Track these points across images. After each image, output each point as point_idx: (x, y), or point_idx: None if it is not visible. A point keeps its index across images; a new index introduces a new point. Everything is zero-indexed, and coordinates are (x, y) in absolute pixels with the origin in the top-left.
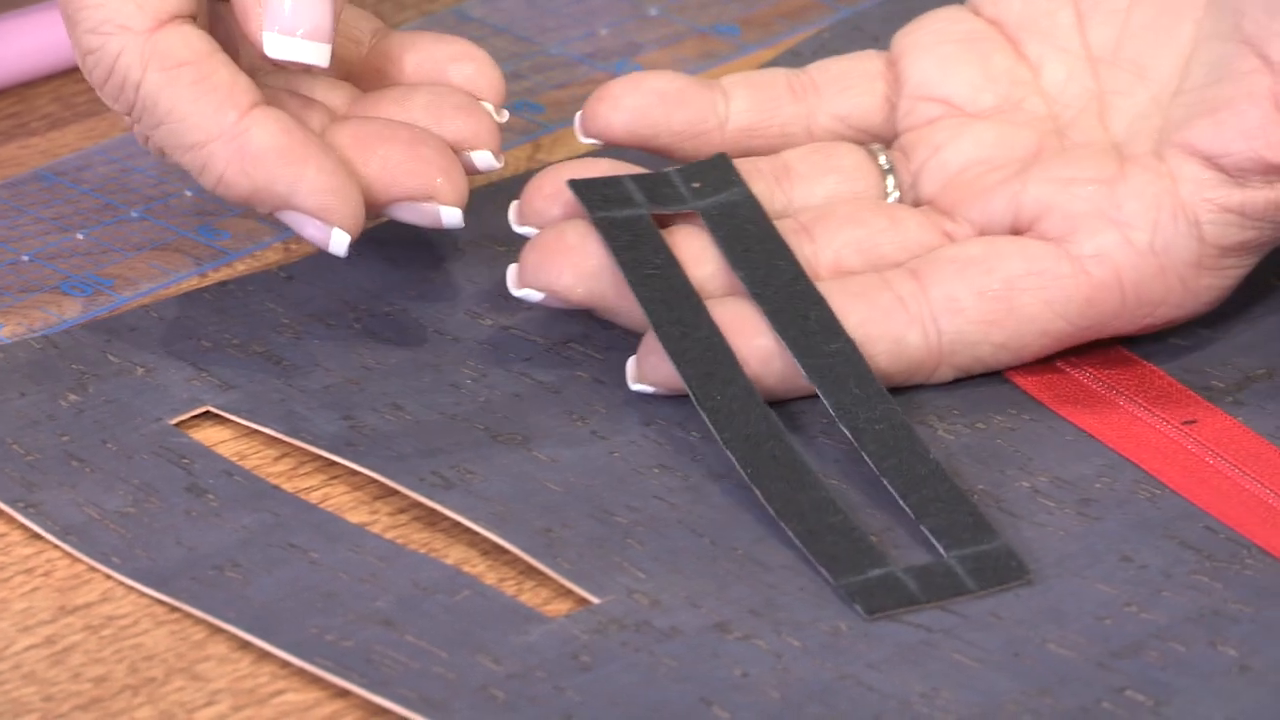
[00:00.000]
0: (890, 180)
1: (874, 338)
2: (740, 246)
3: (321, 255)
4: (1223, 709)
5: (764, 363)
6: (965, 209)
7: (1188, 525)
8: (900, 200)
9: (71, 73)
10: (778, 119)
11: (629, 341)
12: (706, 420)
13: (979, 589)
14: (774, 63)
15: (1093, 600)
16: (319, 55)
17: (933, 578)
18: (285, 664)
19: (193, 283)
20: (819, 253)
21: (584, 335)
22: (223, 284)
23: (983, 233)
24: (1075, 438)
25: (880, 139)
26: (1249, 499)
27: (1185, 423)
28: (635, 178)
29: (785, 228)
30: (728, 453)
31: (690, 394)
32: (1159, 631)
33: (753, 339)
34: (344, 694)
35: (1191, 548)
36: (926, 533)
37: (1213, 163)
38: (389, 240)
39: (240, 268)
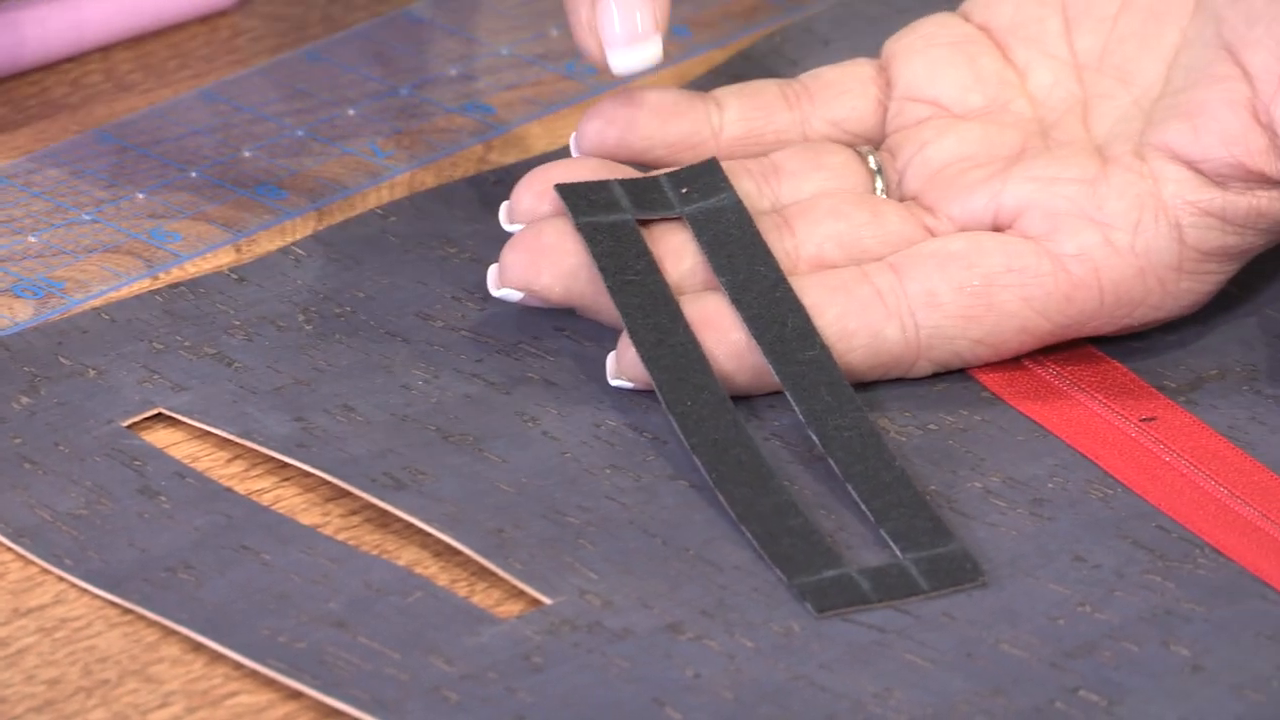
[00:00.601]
0: (879, 181)
1: (852, 332)
2: (724, 251)
3: (272, 257)
4: (1176, 708)
5: (737, 358)
6: (947, 204)
7: (1140, 525)
8: (888, 196)
9: (23, 75)
10: (772, 126)
11: (580, 344)
12: (675, 425)
13: (932, 589)
14: (726, 67)
15: (1045, 600)
16: (654, 53)
17: (886, 578)
18: (238, 665)
19: (144, 285)
20: (800, 246)
21: (534, 337)
22: (174, 286)
23: (964, 229)
24: (1027, 437)
25: (875, 143)
26: (1203, 497)
27: (1144, 420)
28: (623, 182)
29: (768, 222)
30: (694, 458)
31: (661, 399)
32: (1112, 631)
33: (727, 334)
34: (297, 695)
35: (1144, 547)
36: (885, 536)
37: (1193, 167)
38: (339, 242)
39: (191, 270)
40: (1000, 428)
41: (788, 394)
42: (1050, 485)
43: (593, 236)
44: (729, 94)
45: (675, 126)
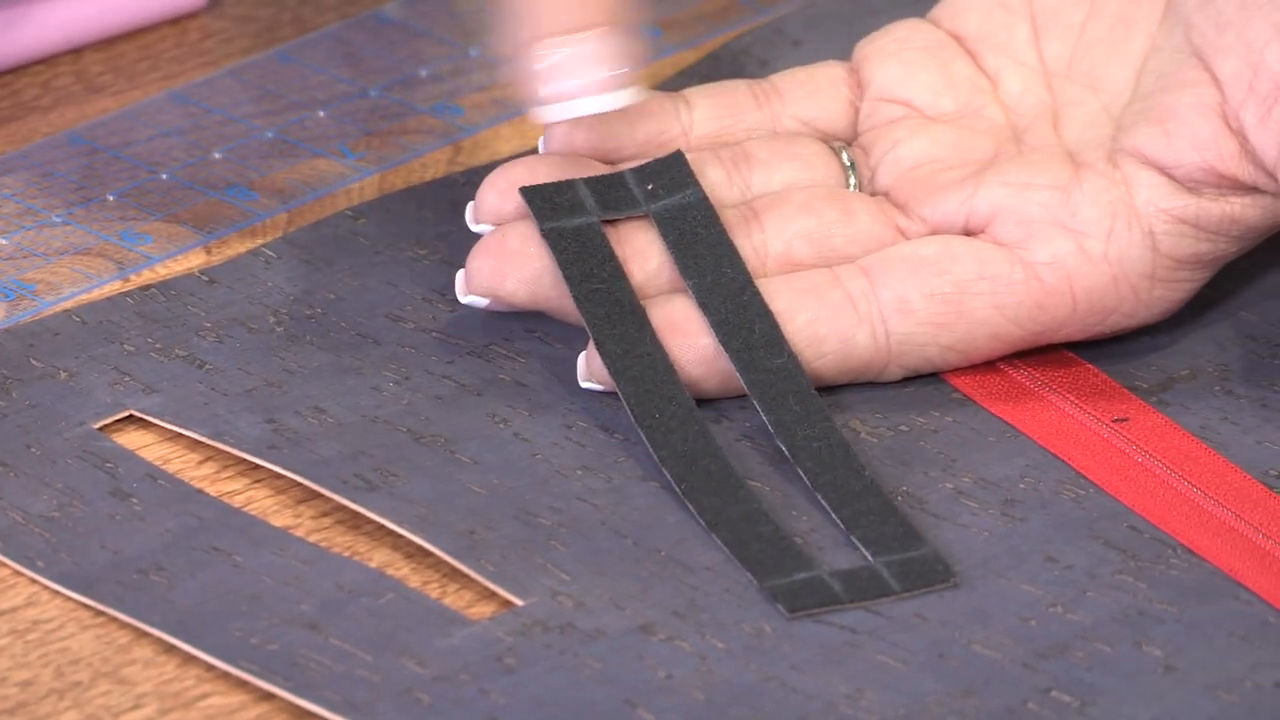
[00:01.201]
0: (852, 178)
1: (822, 338)
2: (690, 251)
3: (243, 259)
4: (1148, 709)
5: (705, 364)
6: (919, 205)
7: (1112, 525)
8: (860, 191)
9: None
10: (741, 125)
11: (550, 346)
12: (644, 438)
13: (903, 591)
14: (696, 68)
15: (1017, 601)
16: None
17: (858, 580)
18: (210, 667)
19: (115, 287)
20: (769, 242)
21: (505, 339)
22: (145, 288)
23: (935, 231)
24: (998, 438)
25: (847, 142)
26: (1176, 498)
27: (1116, 420)
28: (589, 181)
29: (735, 215)
30: (663, 470)
31: (629, 411)
32: (1084, 632)
33: (695, 339)
34: (269, 697)
35: (1116, 548)
36: (855, 542)
37: (1165, 172)
38: (309, 244)
39: (163, 271)
40: (972, 429)
41: (755, 404)
42: (1022, 486)
43: (558, 243)
44: (698, 94)
45: (644, 126)
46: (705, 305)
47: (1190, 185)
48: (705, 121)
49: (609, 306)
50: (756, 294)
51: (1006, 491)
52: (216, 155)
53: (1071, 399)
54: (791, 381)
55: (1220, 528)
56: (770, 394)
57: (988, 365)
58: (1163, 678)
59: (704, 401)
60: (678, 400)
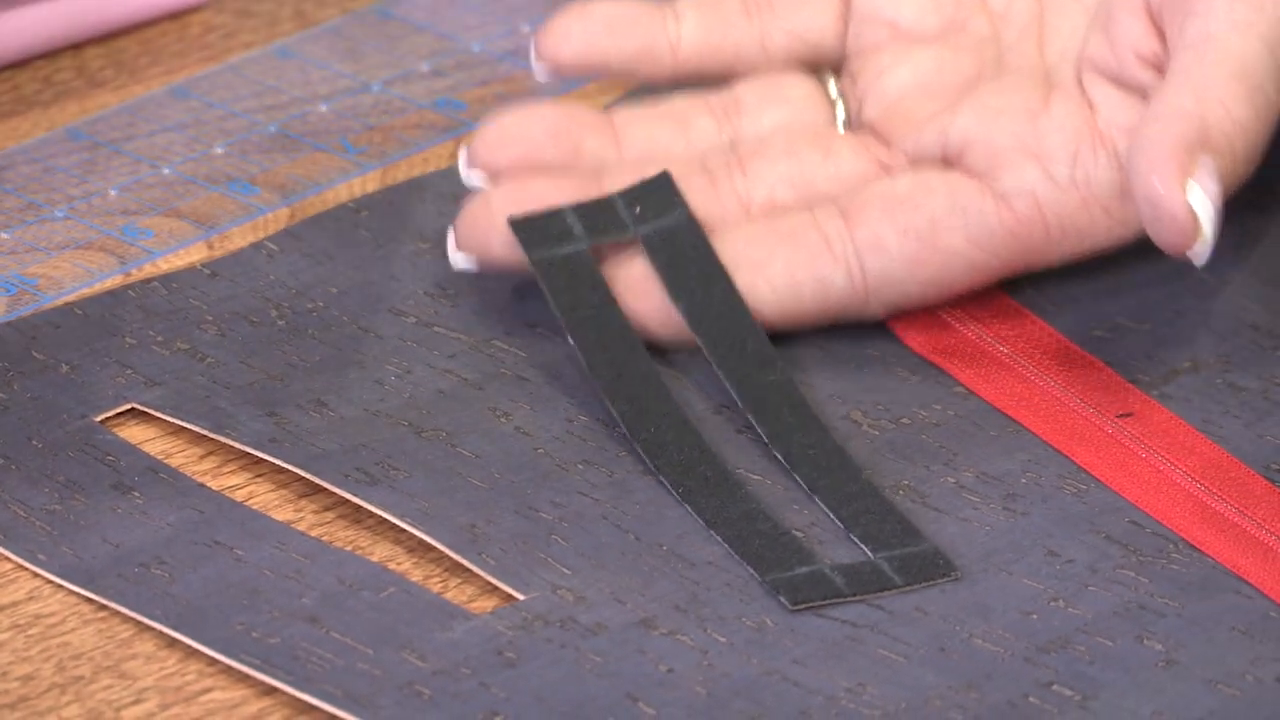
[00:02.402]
0: (840, 110)
1: (800, 281)
2: (679, 275)
3: (244, 253)
4: (1149, 703)
5: (662, 323)
6: (900, 139)
7: (1113, 520)
8: (848, 126)
9: None
10: (730, 38)
11: (551, 341)
12: (640, 451)
13: (905, 585)
14: None
15: (1018, 595)
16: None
17: (859, 574)
18: (212, 661)
19: (117, 281)
20: (751, 189)
21: (507, 333)
22: (146, 282)
23: (915, 163)
24: (1000, 432)
25: (834, 59)
26: (1177, 492)
27: (1121, 415)
28: (577, 207)
29: (720, 164)
30: (660, 478)
31: (624, 428)
32: (1085, 626)
33: (651, 298)
34: (271, 691)
35: (1117, 542)
36: (855, 540)
37: (1116, 82)
38: (311, 238)
39: (164, 265)
40: (973, 422)
41: (750, 417)
42: (1023, 480)
43: (546, 272)
44: (687, 5)
45: (632, 40)
46: (697, 327)
47: (1139, 93)
48: (693, 35)
49: (599, 330)
50: (747, 312)
51: (1008, 486)
52: (218, 150)
53: (1073, 392)
54: (785, 395)
55: (1222, 522)
56: (764, 407)
57: (990, 358)
58: (1164, 672)
59: (698, 420)
60: (672, 415)
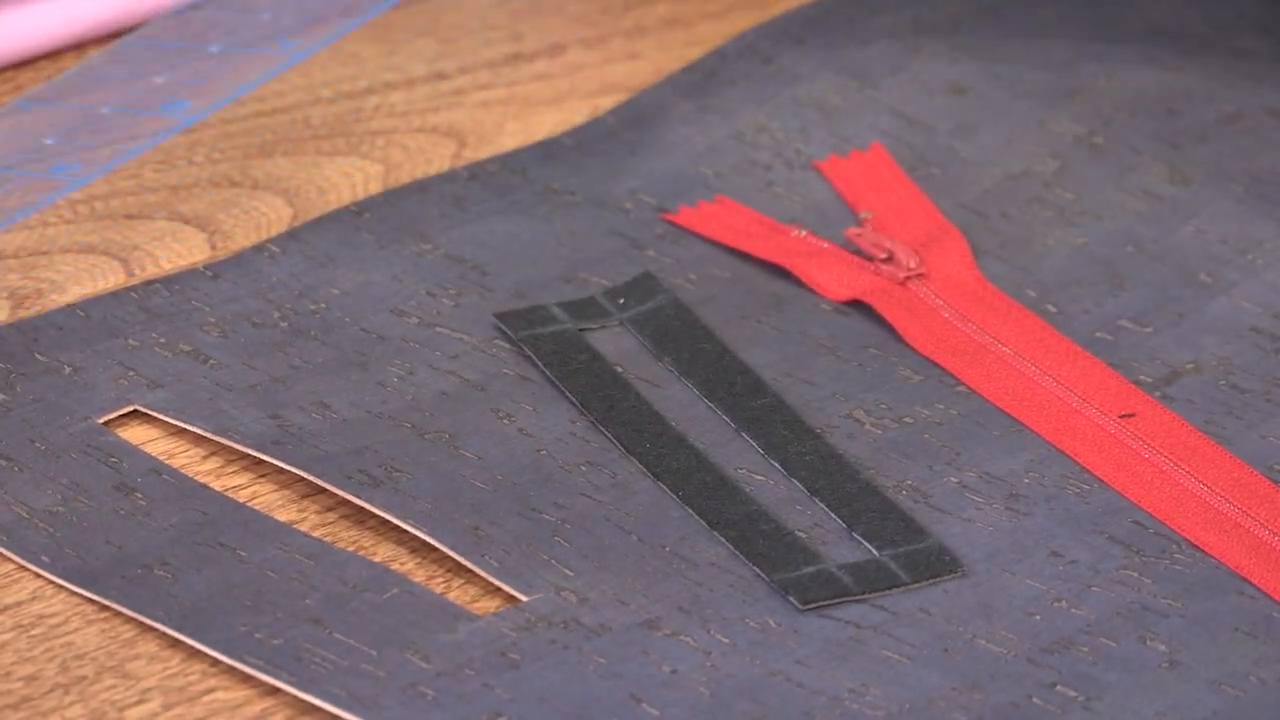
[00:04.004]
0: None
1: None
2: (667, 339)
3: (247, 254)
4: (1152, 703)
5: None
6: None
7: (1116, 520)
8: None
9: None
10: None
11: None
12: (638, 464)
13: (912, 581)
14: (701, 64)
15: (1022, 596)
16: None
17: (866, 572)
18: (215, 662)
19: (120, 282)
20: None
21: (509, 333)
22: (148, 283)
23: None
24: (1003, 432)
25: None
26: (1180, 492)
27: (1123, 416)
28: (560, 302)
29: None
30: (660, 484)
31: (620, 447)
32: (1088, 627)
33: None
34: (274, 691)
35: (1120, 543)
36: (859, 539)
37: None
38: (313, 239)
39: (167, 266)
40: (976, 422)
41: (745, 435)
42: (1026, 480)
43: (535, 345)
44: None
45: None
46: (687, 374)
47: None
48: None
49: (590, 378)
50: (735, 357)
51: (1011, 486)
52: (218, 150)
53: (1076, 393)
54: (777, 413)
55: (1225, 523)
56: (759, 424)
57: (994, 359)
58: (1167, 672)
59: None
60: (667, 434)
